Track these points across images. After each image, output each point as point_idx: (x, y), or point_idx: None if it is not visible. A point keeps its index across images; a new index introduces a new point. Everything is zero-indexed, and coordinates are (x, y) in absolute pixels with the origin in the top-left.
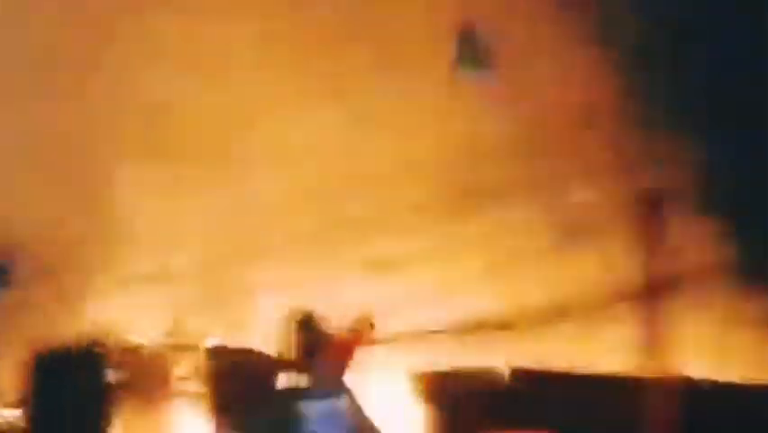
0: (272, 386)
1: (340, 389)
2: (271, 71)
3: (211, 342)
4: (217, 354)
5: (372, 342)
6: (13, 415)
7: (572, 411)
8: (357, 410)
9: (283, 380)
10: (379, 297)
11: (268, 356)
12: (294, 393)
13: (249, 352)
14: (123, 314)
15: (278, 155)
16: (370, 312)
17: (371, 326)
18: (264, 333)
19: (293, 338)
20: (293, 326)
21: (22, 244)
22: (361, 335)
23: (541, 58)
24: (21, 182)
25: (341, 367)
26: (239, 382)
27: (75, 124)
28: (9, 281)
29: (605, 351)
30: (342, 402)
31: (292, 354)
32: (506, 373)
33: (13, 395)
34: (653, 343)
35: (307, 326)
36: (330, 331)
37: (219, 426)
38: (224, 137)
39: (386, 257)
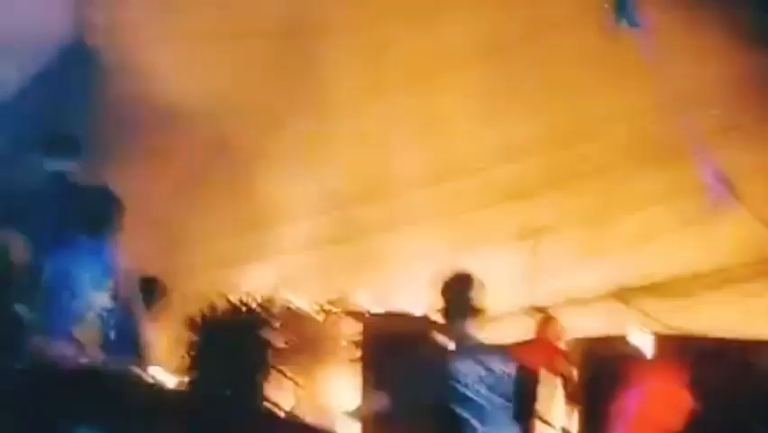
0: (428, 350)
1: (498, 353)
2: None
3: (369, 307)
4: (375, 319)
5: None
6: (176, 380)
7: (720, 379)
8: (510, 373)
9: (439, 343)
10: (531, 262)
11: (425, 320)
12: (449, 356)
13: (405, 317)
14: (283, 279)
15: (430, 123)
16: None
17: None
18: (421, 297)
19: (449, 300)
20: (445, 288)
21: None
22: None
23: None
24: None
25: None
26: (395, 348)
27: None
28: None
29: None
30: (500, 367)
31: (448, 316)
32: (655, 339)
33: (175, 361)
34: None
35: (460, 288)
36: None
37: (375, 391)
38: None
39: (539, 222)
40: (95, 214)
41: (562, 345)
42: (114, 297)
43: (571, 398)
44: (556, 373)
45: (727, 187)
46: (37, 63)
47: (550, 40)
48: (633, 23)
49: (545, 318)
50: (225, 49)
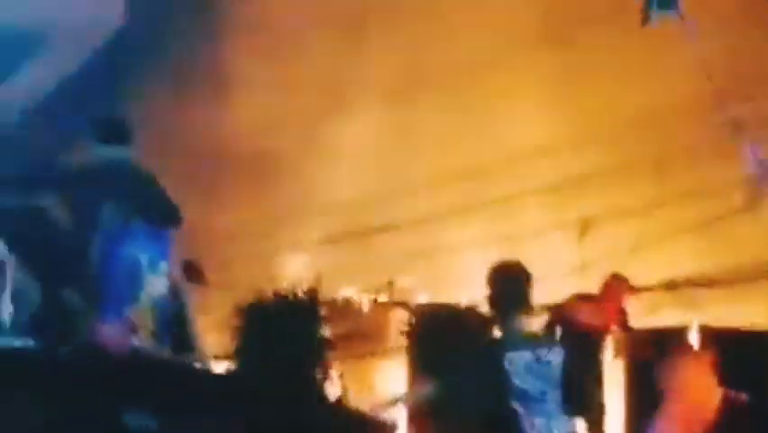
0: (476, 340)
1: (547, 342)
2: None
3: (419, 298)
4: (425, 310)
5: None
6: (224, 368)
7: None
8: (562, 363)
9: (487, 333)
10: (580, 254)
11: (473, 310)
12: (498, 346)
13: (454, 307)
14: (333, 269)
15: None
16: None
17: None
18: (471, 288)
19: (498, 290)
20: (494, 278)
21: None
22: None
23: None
24: None
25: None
26: (443, 338)
27: None
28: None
29: None
30: (548, 356)
31: (496, 307)
32: (702, 332)
33: (222, 348)
34: None
35: (508, 278)
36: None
37: (424, 380)
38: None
39: (587, 214)
40: (154, 201)
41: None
42: (168, 282)
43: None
44: (613, 330)
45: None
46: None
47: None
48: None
49: (614, 276)
50: None
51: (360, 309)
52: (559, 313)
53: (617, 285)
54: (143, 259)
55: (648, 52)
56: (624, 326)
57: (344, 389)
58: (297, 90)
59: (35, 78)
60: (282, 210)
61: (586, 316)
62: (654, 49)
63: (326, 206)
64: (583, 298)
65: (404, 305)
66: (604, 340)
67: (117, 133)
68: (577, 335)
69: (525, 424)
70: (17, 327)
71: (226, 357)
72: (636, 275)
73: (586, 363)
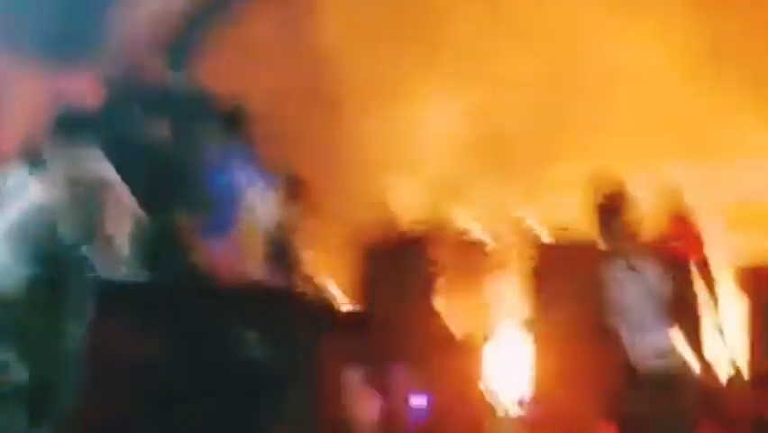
0: (591, 270)
1: (646, 253)
2: None
3: (540, 235)
4: (547, 246)
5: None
6: (349, 305)
7: None
8: (661, 277)
9: (600, 263)
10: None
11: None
12: (606, 268)
13: (571, 240)
14: (456, 200)
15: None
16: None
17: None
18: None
19: (603, 218)
20: (602, 205)
21: None
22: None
23: None
24: None
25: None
26: (560, 269)
27: None
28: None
29: None
30: (645, 264)
31: (605, 233)
32: None
33: (337, 278)
34: None
35: (616, 204)
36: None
37: (543, 307)
38: None
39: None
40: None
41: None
42: (273, 206)
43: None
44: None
45: None
46: None
47: None
48: None
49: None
50: None
51: (482, 242)
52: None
53: (680, 224)
54: (250, 184)
55: None
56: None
57: (464, 321)
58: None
59: None
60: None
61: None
62: None
63: (448, 139)
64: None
65: (526, 238)
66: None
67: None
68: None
69: (624, 335)
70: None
71: (342, 288)
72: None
73: (680, 283)
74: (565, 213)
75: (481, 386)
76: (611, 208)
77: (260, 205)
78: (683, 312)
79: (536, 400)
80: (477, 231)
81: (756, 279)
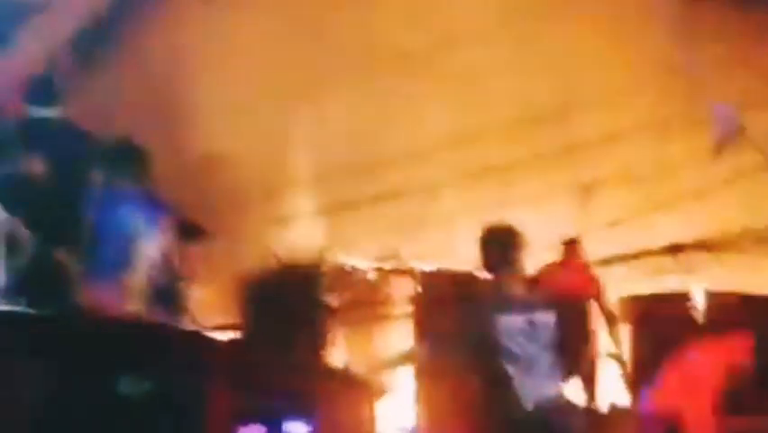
0: (474, 305)
1: (542, 304)
2: None
3: (424, 265)
4: (429, 277)
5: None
6: (227, 337)
7: None
8: (554, 326)
9: (484, 298)
10: (581, 219)
11: (474, 276)
12: (494, 308)
13: (458, 274)
14: (339, 237)
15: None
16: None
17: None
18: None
19: (492, 255)
20: (491, 242)
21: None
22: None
23: None
24: None
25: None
26: (445, 304)
27: None
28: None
29: None
30: (542, 318)
31: (493, 270)
32: (706, 296)
33: (225, 317)
34: None
35: (506, 241)
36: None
37: (426, 345)
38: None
39: (589, 180)
40: (127, 161)
41: (589, 269)
42: (160, 246)
43: (613, 333)
44: (593, 296)
45: (735, 124)
46: None
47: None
48: None
49: (569, 241)
50: None
51: (363, 277)
52: (541, 278)
53: (573, 249)
54: (137, 222)
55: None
56: (598, 295)
57: (349, 355)
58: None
59: None
60: (284, 177)
61: (563, 282)
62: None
63: (327, 173)
64: (554, 265)
65: (409, 272)
66: (588, 305)
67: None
68: (562, 299)
69: (518, 386)
70: (9, 291)
71: (228, 325)
72: (639, 241)
73: (576, 327)
74: (450, 247)
75: (368, 418)
76: (499, 242)
77: (147, 242)
78: (575, 356)
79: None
80: (362, 266)
81: (636, 308)
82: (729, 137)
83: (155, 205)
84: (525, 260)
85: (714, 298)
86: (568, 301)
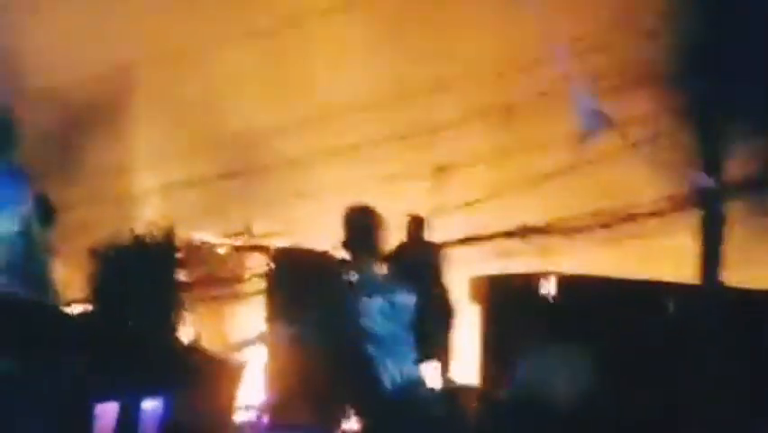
0: (333, 284)
1: (401, 285)
2: None
3: (277, 242)
4: (283, 254)
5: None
6: (80, 310)
7: (617, 318)
8: (411, 304)
9: (342, 277)
10: (435, 200)
11: (328, 254)
12: (353, 289)
13: (311, 251)
14: (192, 212)
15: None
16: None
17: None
18: (328, 232)
19: (352, 235)
20: (349, 223)
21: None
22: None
23: None
24: None
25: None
26: (302, 282)
27: None
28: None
29: (654, 259)
30: (402, 299)
31: (353, 251)
32: (553, 278)
33: (78, 291)
34: (702, 252)
35: (362, 223)
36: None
37: (280, 323)
38: None
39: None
40: None
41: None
42: (21, 222)
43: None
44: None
45: (601, 120)
46: None
47: None
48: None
49: (413, 218)
50: None
51: (215, 252)
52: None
53: (416, 227)
54: None
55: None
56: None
57: (200, 331)
58: None
59: None
60: (141, 151)
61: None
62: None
63: (187, 148)
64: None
65: (262, 249)
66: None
67: None
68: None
69: (378, 366)
70: None
71: (82, 299)
72: (488, 222)
73: (436, 307)
74: (310, 225)
75: (226, 395)
76: (360, 223)
77: (6, 215)
78: (438, 343)
79: (266, 410)
80: (213, 241)
81: (486, 288)
82: (593, 128)
83: (15, 178)
84: (384, 241)
85: (564, 280)
86: (426, 281)
